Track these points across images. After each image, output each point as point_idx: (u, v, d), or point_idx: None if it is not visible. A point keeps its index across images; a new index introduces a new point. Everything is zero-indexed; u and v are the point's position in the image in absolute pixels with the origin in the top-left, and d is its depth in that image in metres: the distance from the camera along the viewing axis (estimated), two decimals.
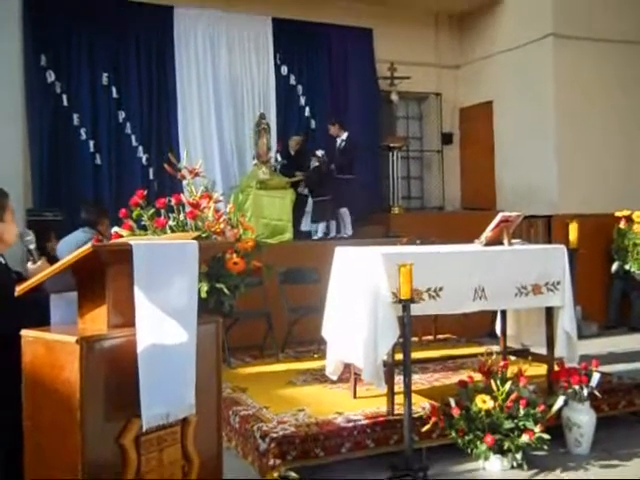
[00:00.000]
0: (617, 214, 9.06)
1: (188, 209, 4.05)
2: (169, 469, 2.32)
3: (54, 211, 7.72)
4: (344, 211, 9.14)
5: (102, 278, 2.25)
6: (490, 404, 4.19)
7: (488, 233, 4.93)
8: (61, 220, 7.54)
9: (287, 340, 6.74)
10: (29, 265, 2.75)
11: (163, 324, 2.28)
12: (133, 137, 8.91)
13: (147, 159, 8.97)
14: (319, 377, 5.50)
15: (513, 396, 4.24)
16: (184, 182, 4.21)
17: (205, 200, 4.01)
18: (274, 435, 4.04)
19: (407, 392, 4.10)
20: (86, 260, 2.16)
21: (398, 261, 4.09)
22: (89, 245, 2.11)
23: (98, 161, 8.71)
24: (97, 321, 2.29)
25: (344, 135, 9.18)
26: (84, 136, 8.64)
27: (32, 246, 2.81)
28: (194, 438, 2.42)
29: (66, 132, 8.55)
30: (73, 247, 5.21)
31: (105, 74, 8.77)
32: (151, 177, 8.91)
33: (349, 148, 9.14)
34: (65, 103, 8.55)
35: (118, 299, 2.28)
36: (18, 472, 2.29)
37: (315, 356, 6.34)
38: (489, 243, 4.92)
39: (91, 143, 8.67)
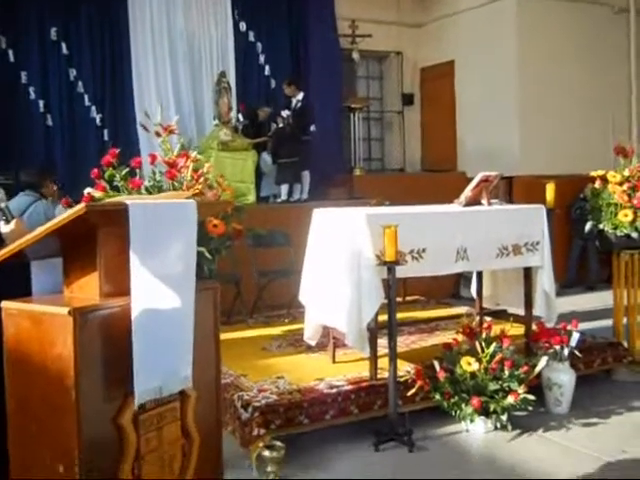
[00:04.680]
0: (592, 174, 9.02)
1: (164, 169, 3.82)
2: (170, 449, 2.14)
3: (5, 174, 7.29)
4: (305, 174, 8.92)
5: (92, 242, 2.02)
6: (475, 366, 4.14)
7: (468, 193, 4.82)
8: (12, 184, 7.12)
9: (256, 305, 6.58)
10: (2, 225, 2.51)
11: (160, 292, 2.08)
12: (86, 96, 8.44)
13: (101, 119, 8.54)
14: (293, 342, 5.39)
15: (498, 357, 4.20)
16: (159, 140, 3.96)
17: (182, 159, 3.79)
18: (257, 404, 3.91)
19: (392, 356, 4.01)
20: (75, 222, 1.93)
21: (382, 222, 3.96)
22: (81, 205, 1.87)
23: (49, 122, 8.25)
24: (87, 290, 2.08)
25: (300, 95, 8.75)
26: (33, 95, 8.15)
27: (3, 204, 2.60)
28: (194, 414, 2.25)
29: (14, 91, 8.04)
30: (15, 212, 4.91)
31: (54, 29, 8.25)
32: (106, 138, 8.49)
33: (305, 109, 8.80)
34: (12, 59, 8.03)
35: (110, 265, 2.06)
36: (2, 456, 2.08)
37: (286, 321, 6.22)
38: (469, 203, 4.82)
39: (41, 103, 8.19)
